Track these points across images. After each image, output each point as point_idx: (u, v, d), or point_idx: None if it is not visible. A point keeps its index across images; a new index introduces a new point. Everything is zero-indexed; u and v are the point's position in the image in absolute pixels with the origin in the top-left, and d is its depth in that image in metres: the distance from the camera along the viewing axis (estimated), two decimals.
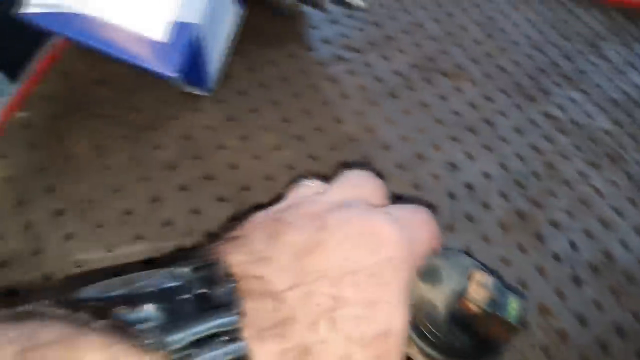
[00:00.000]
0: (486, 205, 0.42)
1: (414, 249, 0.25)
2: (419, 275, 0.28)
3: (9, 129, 0.41)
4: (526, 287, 0.38)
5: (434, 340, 0.29)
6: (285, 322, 0.20)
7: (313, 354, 0.20)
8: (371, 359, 0.21)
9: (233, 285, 0.20)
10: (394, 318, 0.23)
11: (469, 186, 0.43)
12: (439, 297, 0.29)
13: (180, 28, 0.35)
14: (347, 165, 0.41)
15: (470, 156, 0.45)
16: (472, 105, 0.48)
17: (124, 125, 0.41)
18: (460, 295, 0.28)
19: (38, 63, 0.44)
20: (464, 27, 0.54)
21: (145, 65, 0.35)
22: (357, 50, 0.50)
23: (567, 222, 0.41)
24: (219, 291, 0.19)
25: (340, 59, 0.49)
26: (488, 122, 0.47)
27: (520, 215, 0.42)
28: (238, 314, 0.19)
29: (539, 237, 0.41)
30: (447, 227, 0.41)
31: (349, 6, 0.47)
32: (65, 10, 0.35)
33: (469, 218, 0.41)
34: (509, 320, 0.27)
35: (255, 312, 0.19)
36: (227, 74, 0.45)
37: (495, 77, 0.51)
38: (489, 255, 0.39)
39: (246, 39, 0.48)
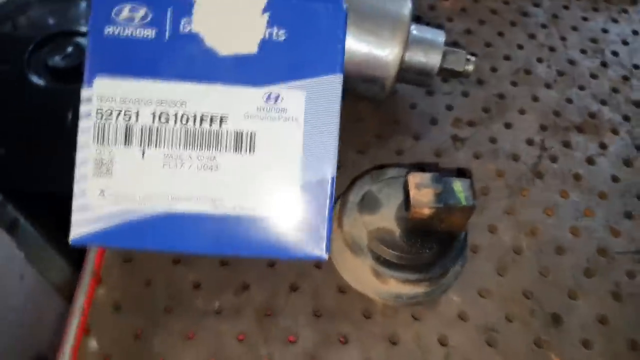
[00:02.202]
0: None
1: None
2: (359, 210, 0.30)
3: None
4: None
5: (395, 261, 0.29)
6: None
7: None
8: None
9: None
10: None
11: None
12: (386, 220, 0.30)
13: (317, 191, 0.25)
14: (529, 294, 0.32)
15: None
16: (627, 163, 0.39)
17: (238, 316, 0.31)
18: (407, 207, 0.27)
19: (92, 254, 0.33)
20: (573, 60, 0.45)
21: (287, 254, 0.25)
22: (473, 123, 0.40)
23: None
24: None
25: (457, 140, 0.39)
26: None
27: None
28: None
29: None
30: None
31: (459, 74, 0.37)
32: (148, 215, 0.25)
33: None
34: (463, 204, 0.26)
35: None
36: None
37: (634, 117, 0.42)
38: None
39: (342, 143, 0.38)
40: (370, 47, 0.35)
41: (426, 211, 0.27)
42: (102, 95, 0.24)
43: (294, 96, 0.25)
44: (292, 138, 0.25)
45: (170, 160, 0.24)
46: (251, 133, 0.25)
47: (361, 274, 0.30)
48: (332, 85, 0.25)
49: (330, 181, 0.25)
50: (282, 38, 0.25)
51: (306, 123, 0.25)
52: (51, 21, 0.88)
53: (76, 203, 0.24)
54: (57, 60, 0.83)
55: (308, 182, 0.25)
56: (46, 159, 0.80)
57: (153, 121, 0.24)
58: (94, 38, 0.24)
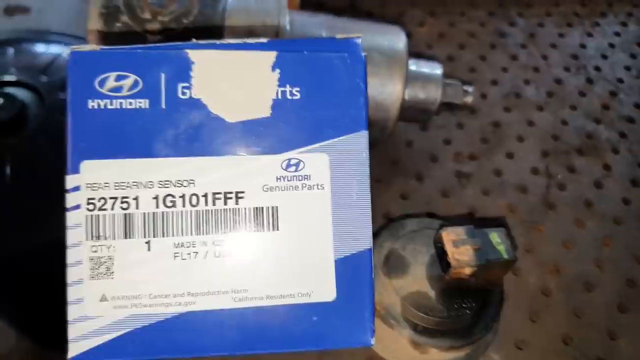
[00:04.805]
0: None
1: None
2: (386, 273, 0.27)
3: None
4: None
5: (437, 328, 0.26)
6: None
7: None
8: None
9: None
10: None
11: None
12: (418, 281, 0.27)
13: (354, 267, 0.22)
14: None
15: None
16: (635, 183, 0.38)
17: None
18: (445, 268, 0.24)
19: None
20: (559, 79, 0.44)
21: (327, 346, 0.21)
22: (475, 157, 0.38)
23: None
24: None
25: (462, 176, 0.37)
26: None
27: None
28: None
29: None
30: None
31: (457, 107, 0.35)
32: (161, 318, 0.21)
33: None
34: (504, 257, 0.24)
35: None
36: None
37: (630, 133, 0.41)
38: None
39: None
40: (369, 89, 0.32)
41: (467, 270, 0.24)
42: (93, 182, 0.20)
43: (316, 161, 0.21)
44: (319, 208, 0.21)
45: (181, 251, 0.20)
46: (272, 207, 0.21)
47: (397, 346, 0.27)
48: (358, 144, 0.22)
49: (368, 253, 0.22)
50: (297, 97, 0.21)
51: (333, 189, 0.22)
52: None
53: (72, 314, 0.20)
54: None
55: (343, 257, 0.22)
56: None
57: (157, 206, 0.20)
58: (76, 114, 0.20)
